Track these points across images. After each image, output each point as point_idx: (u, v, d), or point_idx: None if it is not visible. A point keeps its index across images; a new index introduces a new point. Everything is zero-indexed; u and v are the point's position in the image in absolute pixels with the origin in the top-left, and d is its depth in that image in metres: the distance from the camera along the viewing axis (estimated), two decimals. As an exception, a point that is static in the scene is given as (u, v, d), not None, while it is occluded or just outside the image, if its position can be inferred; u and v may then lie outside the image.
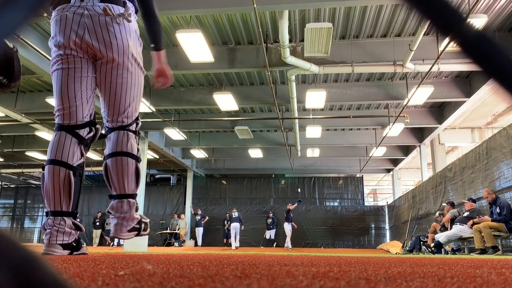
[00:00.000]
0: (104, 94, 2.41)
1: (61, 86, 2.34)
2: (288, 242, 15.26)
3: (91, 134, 2.47)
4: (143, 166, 13.43)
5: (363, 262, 1.74)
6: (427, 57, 8.30)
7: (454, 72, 9.87)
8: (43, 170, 2.42)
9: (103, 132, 2.57)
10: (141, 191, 13.40)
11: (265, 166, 18.72)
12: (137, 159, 2.48)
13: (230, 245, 16.42)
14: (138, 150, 2.52)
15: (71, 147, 2.39)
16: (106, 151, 2.47)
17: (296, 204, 15.28)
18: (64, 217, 2.36)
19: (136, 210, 2.52)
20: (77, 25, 2.26)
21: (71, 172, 2.38)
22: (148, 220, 2.64)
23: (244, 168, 18.90)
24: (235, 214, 15.87)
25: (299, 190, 18.36)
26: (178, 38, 7.06)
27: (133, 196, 2.49)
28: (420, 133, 14.12)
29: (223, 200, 20.42)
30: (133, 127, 2.51)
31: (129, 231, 2.50)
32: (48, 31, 8.07)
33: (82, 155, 2.44)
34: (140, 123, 2.59)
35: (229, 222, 16.52)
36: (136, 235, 2.54)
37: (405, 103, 9.78)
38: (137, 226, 2.52)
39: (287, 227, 14.88)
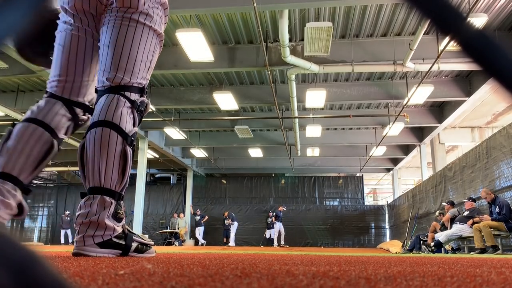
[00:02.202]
0: (103, 45, 1.91)
1: (73, 54, 1.94)
2: (282, 240, 16.21)
3: (85, 118, 2.02)
4: (143, 166, 13.44)
5: (363, 262, 1.74)
6: (427, 56, 8.30)
7: (454, 71, 9.87)
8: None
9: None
10: (141, 190, 13.40)
11: (265, 166, 18.72)
12: (126, 138, 1.84)
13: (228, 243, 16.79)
14: (133, 126, 1.91)
15: (59, 117, 1.91)
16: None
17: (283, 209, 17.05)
18: None
19: (117, 219, 1.84)
20: None
21: (55, 141, 1.89)
22: (150, 243, 2.00)
23: (244, 167, 18.90)
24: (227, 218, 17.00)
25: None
26: (178, 37, 7.06)
27: (112, 193, 1.82)
28: (420, 133, 14.12)
29: (223, 199, 20.42)
30: (131, 95, 1.90)
31: (101, 245, 1.77)
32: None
33: (66, 133, 1.97)
34: (144, 100, 1.97)
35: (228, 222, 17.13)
36: (122, 255, 1.82)
37: (405, 102, 9.77)
38: (119, 242, 1.82)
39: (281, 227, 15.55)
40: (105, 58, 1.89)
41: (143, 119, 12.65)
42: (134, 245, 1.89)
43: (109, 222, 1.80)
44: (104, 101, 1.85)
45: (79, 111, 1.98)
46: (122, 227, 1.88)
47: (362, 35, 8.54)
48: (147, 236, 2.00)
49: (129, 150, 1.86)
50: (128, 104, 1.87)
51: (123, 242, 1.84)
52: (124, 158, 1.84)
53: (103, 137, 1.80)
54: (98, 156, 1.79)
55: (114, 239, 1.83)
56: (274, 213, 17.32)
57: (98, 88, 1.94)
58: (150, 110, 10.91)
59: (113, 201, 1.83)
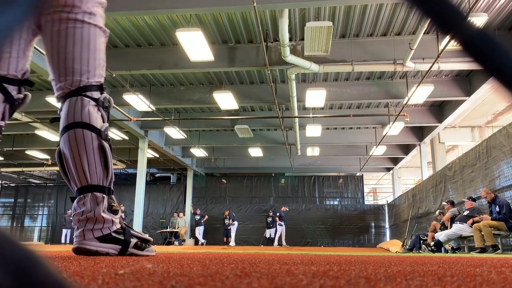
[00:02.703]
0: (54, 52, 1.86)
1: None
2: (283, 240, 16.32)
3: (20, 96, 1.84)
4: (142, 165, 13.43)
5: (363, 261, 1.74)
6: (427, 55, 8.29)
7: (454, 70, 9.86)
8: None
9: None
10: (141, 190, 13.40)
11: (265, 165, 18.73)
12: (100, 134, 1.86)
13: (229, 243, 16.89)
14: (103, 122, 1.91)
15: None
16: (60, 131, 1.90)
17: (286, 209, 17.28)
18: None
19: (113, 211, 1.86)
20: None
21: None
22: (149, 240, 1.99)
23: (244, 167, 18.91)
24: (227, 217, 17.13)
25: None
26: (178, 37, 7.06)
27: (101, 188, 1.85)
28: (420, 132, 14.12)
29: (223, 199, 20.43)
30: (93, 94, 1.90)
31: (101, 240, 1.79)
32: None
33: (3, 117, 1.83)
34: (107, 97, 1.97)
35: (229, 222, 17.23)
36: (121, 253, 1.82)
37: (405, 102, 9.77)
38: (119, 237, 1.84)
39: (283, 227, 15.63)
40: (57, 64, 1.87)
41: (144, 119, 12.61)
42: (133, 240, 1.89)
43: (106, 215, 1.82)
44: (68, 105, 1.86)
45: (12, 88, 1.80)
46: (120, 222, 1.89)
47: (362, 35, 8.53)
48: (147, 235, 2.03)
49: (106, 144, 1.88)
50: (92, 102, 1.88)
51: (122, 238, 1.85)
52: (103, 152, 1.87)
53: (77, 137, 1.82)
54: (77, 156, 1.82)
55: (114, 234, 1.84)
56: (277, 214, 17.42)
57: (58, 96, 1.93)
58: (150, 110, 10.98)
59: (104, 195, 1.85)
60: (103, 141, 1.87)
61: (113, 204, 1.88)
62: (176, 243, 17.32)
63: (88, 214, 1.80)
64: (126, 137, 14.24)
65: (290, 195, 20.29)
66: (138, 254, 1.88)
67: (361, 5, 7.41)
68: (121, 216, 1.95)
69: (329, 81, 10.66)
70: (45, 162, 17.45)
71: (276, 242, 17.04)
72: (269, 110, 12.95)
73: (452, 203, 8.55)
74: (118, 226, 1.87)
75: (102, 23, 1.98)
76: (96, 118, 1.87)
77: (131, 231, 1.91)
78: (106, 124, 1.94)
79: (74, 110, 1.83)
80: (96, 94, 1.91)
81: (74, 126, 1.82)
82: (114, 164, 17.86)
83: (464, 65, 8.38)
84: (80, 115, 1.82)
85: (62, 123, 1.87)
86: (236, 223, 17.46)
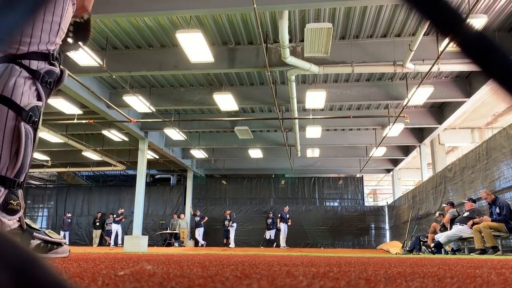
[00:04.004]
0: None
1: None
2: (283, 242, 16.39)
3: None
4: (142, 167, 13.43)
5: (363, 262, 1.74)
6: (427, 57, 8.30)
7: (454, 72, 9.87)
8: None
9: None
10: (140, 191, 13.40)
11: (265, 166, 18.72)
12: (21, 113, 1.49)
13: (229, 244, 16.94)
14: (36, 100, 1.55)
15: None
16: None
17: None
18: None
19: (10, 211, 1.53)
20: None
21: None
22: (61, 241, 1.76)
23: (244, 168, 18.90)
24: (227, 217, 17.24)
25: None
26: (178, 38, 7.07)
27: (0, 179, 1.48)
28: (420, 133, 14.12)
29: (223, 200, 20.42)
30: (31, 63, 1.55)
31: None
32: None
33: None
34: (53, 70, 1.62)
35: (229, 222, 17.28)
36: None
37: (405, 103, 9.78)
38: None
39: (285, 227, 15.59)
40: None
41: (144, 120, 12.58)
42: (34, 242, 1.63)
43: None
44: None
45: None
46: (19, 221, 1.58)
47: (362, 36, 8.54)
48: (59, 237, 1.78)
49: (24, 127, 1.50)
50: (25, 73, 1.53)
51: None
52: (17, 137, 1.49)
53: None
54: None
55: None
56: (279, 215, 17.44)
57: None
58: (150, 111, 10.98)
59: (1, 188, 1.49)
60: (22, 123, 1.49)
61: (11, 201, 1.52)
62: (176, 244, 17.32)
63: None
64: (126, 139, 14.24)
65: (290, 196, 20.29)
66: None
67: (361, 6, 7.41)
68: (21, 216, 1.62)
69: (329, 82, 10.67)
70: (45, 163, 17.45)
71: (282, 244, 16.99)
72: (269, 112, 12.95)
73: (451, 204, 8.55)
74: (15, 226, 1.56)
75: None
76: (23, 93, 1.50)
77: (34, 233, 1.65)
78: (39, 103, 1.56)
79: None
80: (36, 64, 1.54)
81: None
82: (114, 165, 17.85)
83: (464, 66, 8.39)
84: (3, 87, 1.47)
85: None
86: (235, 224, 17.45)
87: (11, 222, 1.54)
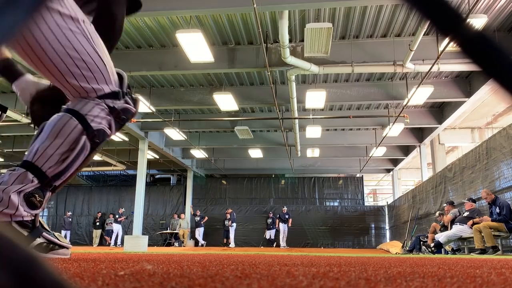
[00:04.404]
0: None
1: None
2: (284, 241, 16.38)
3: None
4: (143, 167, 13.43)
5: (363, 262, 1.74)
6: (427, 57, 8.30)
7: (454, 72, 9.87)
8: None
9: None
10: (140, 191, 13.40)
11: (265, 166, 18.73)
12: (88, 129, 1.57)
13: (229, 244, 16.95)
14: (105, 126, 1.62)
15: None
16: None
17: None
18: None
19: (30, 204, 1.54)
20: None
21: None
22: (66, 246, 1.77)
23: (244, 168, 18.91)
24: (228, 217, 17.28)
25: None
26: (178, 38, 7.07)
27: (39, 173, 1.54)
28: (420, 133, 14.12)
29: (223, 200, 20.42)
30: (105, 102, 1.64)
31: None
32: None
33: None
34: (129, 108, 1.69)
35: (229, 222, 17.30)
36: None
37: (405, 103, 9.78)
38: (20, 230, 1.57)
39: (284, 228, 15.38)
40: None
41: (144, 120, 12.61)
42: (38, 241, 1.64)
43: (14, 197, 1.50)
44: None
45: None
46: (34, 217, 1.60)
47: (362, 36, 8.54)
48: (67, 242, 1.79)
49: (83, 140, 1.56)
50: (104, 106, 1.61)
51: (25, 233, 1.57)
52: (73, 147, 1.55)
53: (60, 120, 1.56)
54: (45, 135, 1.56)
55: (15, 225, 1.54)
56: (278, 215, 17.50)
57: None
58: (150, 111, 10.97)
59: (35, 180, 1.53)
60: (84, 137, 1.55)
61: (36, 195, 1.54)
62: (176, 244, 17.32)
63: None
64: (126, 138, 14.24)
65: (290, 196, 20.28)
66: None
67: (361, 6, 7.41)
68: (37, 214, 1.64)
69: (329, 82, 10.67)
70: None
71: (282, 243, 17.05)
72: (269, 111, 12.95)
73: (452, 204, 8.55)
74: (28, 219, 1.57)
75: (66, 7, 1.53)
76: (97, 117, 1.58)
77: (44, 233, 1.66)
78: (108, 131, 1.63)
79: (78, 102, 1.59)
80: (111, 102, 1.63)
81: (66, 111, 1.57)
82: (114, 165, 17.86)
83: (464, 66, 8.39)
84: (80, 107, 1.56)
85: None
86: (234, 224, 17.46)
87: (26, 213, 1.55)
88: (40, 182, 1.55)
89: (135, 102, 1.73)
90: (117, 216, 17.83)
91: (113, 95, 1.64)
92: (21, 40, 1.45)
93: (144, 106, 10.37)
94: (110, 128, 1.64)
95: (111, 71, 1.67)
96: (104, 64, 1.63)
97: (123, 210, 18.37)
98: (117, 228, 17.71)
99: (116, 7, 1.73)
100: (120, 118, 1.65)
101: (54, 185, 1.60)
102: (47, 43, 1.47)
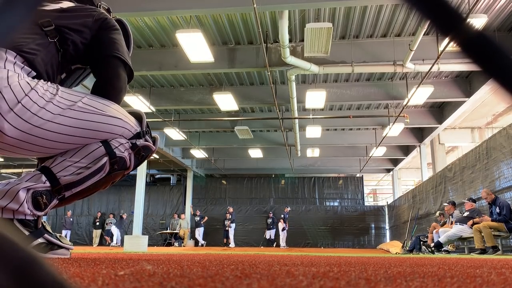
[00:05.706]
0: None
1: None
2: (283, 241, 16.38)
3: None
4: (142, 167, 13.42)
5: (363, 262, 1.74)
6: (427, 57, 8.30)
7: (454, 72, 9.87)
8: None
9: None
10: (140, 191, 13.39)
11: (265, 166, 18.73)
12: (109, 153, 1.68)
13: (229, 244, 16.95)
14: (126, 157, 1.74)
15: None
16: None
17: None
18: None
19: (36, 203, 1.56)
20: None
21: None
22: (68, 247, 1.80)
23: (244, 168, 18.91)
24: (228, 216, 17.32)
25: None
26: (178, 38, 7.07)
27: (52, 177, 1.60)
28: (420, 133, 14.12)
29: (223, 200, 20.42)
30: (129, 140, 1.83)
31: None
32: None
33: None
34: (150, 147, 1.83)
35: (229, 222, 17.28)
36: None
37: (405, 103, 9.78)
38: (22, 229, 1.57)
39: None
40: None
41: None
42: (38, 240, 1.66)
43: (22, 193, 1.53)
44: None
45: None
46: (37, 218, 1.63)
47: (362, 36, 8.54)
48: (69, 244, 1.82)
49: (104, 161, 1.65)
50: (127, 140, 1.75)
51: (26, 233, 1.58)
52: (91, 166, 1.64)
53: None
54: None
55: (16, 223, 1.55)
56: (281, 215, 17.49)
57: None
58: (150, 111, 10.97)
59: (47, 183, 1.58)
60: (106, 158, 1.66)
61: (43, 196, 1.58)
62: (176, 244, 17.32)
63: (11, 182, 1.56)
64: (126, 138, 14.23)
65: (290, 196, 20.28)
66: None
67: (361, 6, 7.41)
68: (41, 216, 1.66)
69: (329, 82, 10.67)
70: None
71: (282, 243, 17.06)
72: (269, 111, 12.95)
73: (453, 204, 8.53)
74: (30, 218, 1.59)
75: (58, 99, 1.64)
76: (120, 146, 1.71)
77: (46, 235, 1.68)
78: (127, 161, 1.73)
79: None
80: (134, 140, 1.78)
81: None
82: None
83: (464, 66, 8.39)
84: (107, 137, 1.69)
85: None
86: (233, 224, 17.46)
87: (28, 211, 1.57)
88: (51, 186, 1.61)
89: (154, 140, 1.87)
90: (115, 221, 17.95)
91: (136, 136, 1.78)
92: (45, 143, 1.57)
93: (144, 106, 10.37)
94: (130, 160, 1.75)
95: (127, 119, 1.78)
96: (118, 118, 1.74)
97: (123, 213, 18.57)
98: (116, 231, 17.79)
99: (117, 80, 1.83)
100: (140, 154, 1.78)
101: (63, 194, 1.65)
102: (65, 136, 1.60)
